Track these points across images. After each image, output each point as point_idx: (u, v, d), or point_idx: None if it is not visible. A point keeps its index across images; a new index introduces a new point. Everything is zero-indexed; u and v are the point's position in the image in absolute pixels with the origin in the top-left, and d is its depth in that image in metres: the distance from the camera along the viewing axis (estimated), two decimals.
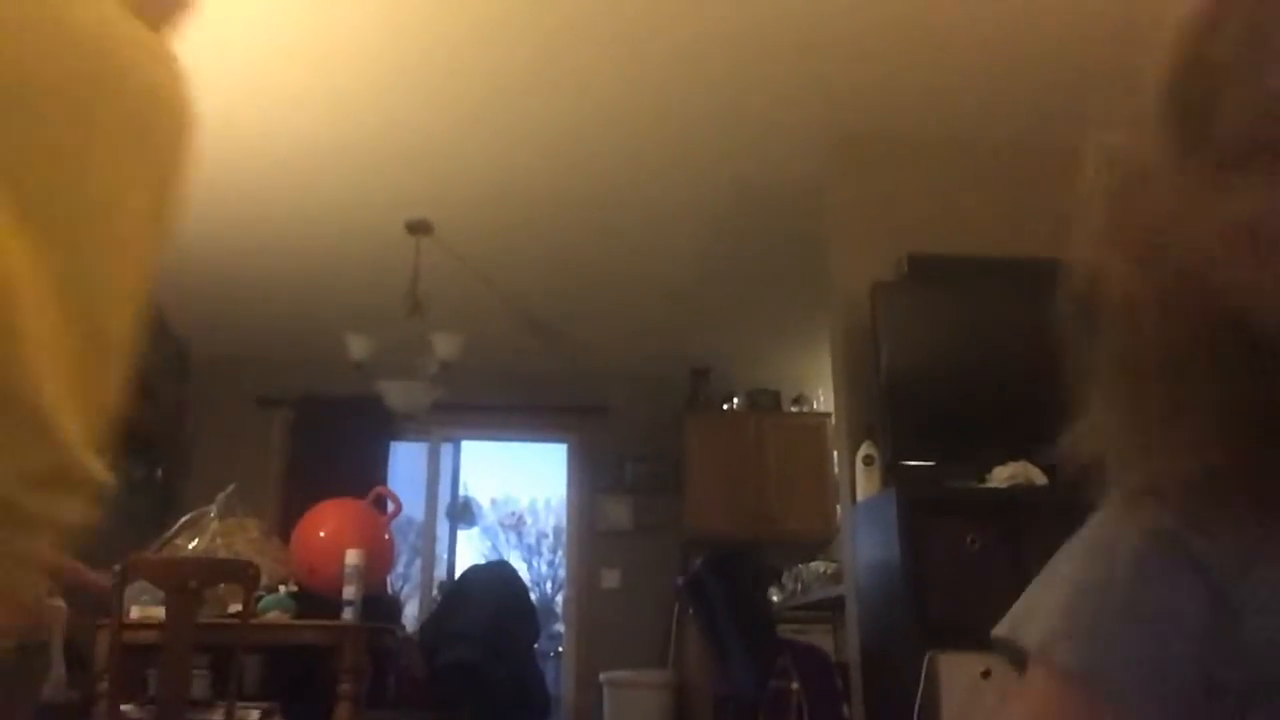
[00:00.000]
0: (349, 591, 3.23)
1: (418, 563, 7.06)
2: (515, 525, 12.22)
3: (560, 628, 7.73)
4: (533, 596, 5.37)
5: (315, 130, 3.94)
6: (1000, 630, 0.53)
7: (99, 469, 0.52)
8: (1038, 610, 0.51)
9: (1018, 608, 0.53)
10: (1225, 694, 0.47)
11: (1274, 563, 0.46)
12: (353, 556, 3.28)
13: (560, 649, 7.51)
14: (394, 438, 6.57)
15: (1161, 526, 0.49)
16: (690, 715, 5.97)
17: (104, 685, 3.07)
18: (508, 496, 12.10)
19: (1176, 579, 0.48)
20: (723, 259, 5.08)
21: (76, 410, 0.50)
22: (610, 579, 6.69)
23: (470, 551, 9.39)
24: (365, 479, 4.91)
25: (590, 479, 6.86)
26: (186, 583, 2.81)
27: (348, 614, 3.22)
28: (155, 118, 0.62)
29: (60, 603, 3.18)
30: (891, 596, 3.15)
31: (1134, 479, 0.51)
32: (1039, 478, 3.09)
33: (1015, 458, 3.13)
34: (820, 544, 6.20)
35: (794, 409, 6.85)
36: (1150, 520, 0.49)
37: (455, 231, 4.77)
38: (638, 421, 6.78)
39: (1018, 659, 0.52)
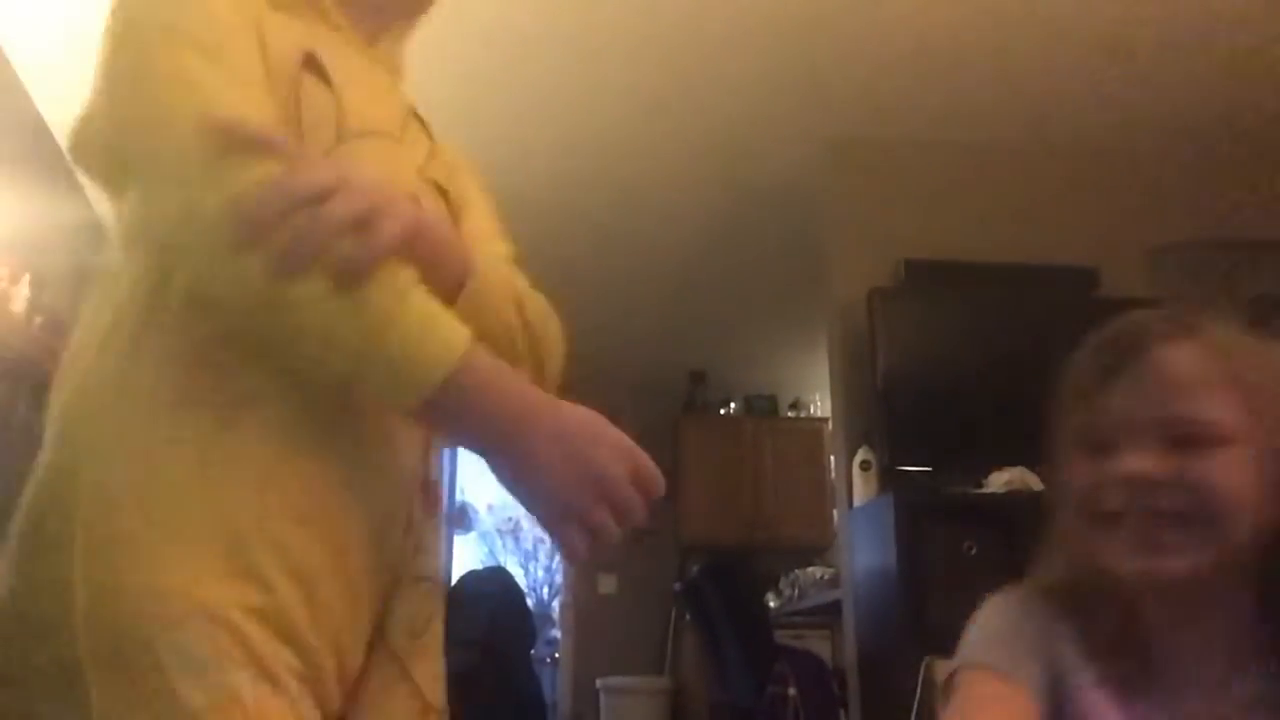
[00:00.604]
0: None
1: None
2: (512, 531, 12.20)
3: (557, 633, 7.71)
4: (529, 602, 5.36)
5: None
6: (947, 668, 0.86)
7: None
8: (965, 646, 0.86)
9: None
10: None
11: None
12: None
13: (557, 655, 7.49)
14: None
15: (1036, 604, 0.86)
16: None
17: None
18: (505, 502, 12.08)
19: (1038, 630, 0.84)
20: (719, 264, 5.08)
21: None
22: (607, 585, 6.68)
23: (467, 557, 9.38)
24: None
25: None
26: None
27: None
28: None
29: None
30: (888, 602, 3.15)
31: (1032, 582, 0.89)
32: (1036, 484, 3.09)
33: (1012, 463, 3.13)
34: (817, 549, 6.19)
35: (791, 414, 6.85)
36: (1033, 599, 0.87)
37: None
38: (634, 426, 6.75)
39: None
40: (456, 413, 0.71)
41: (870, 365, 3.44)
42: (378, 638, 0.81)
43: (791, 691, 3.72)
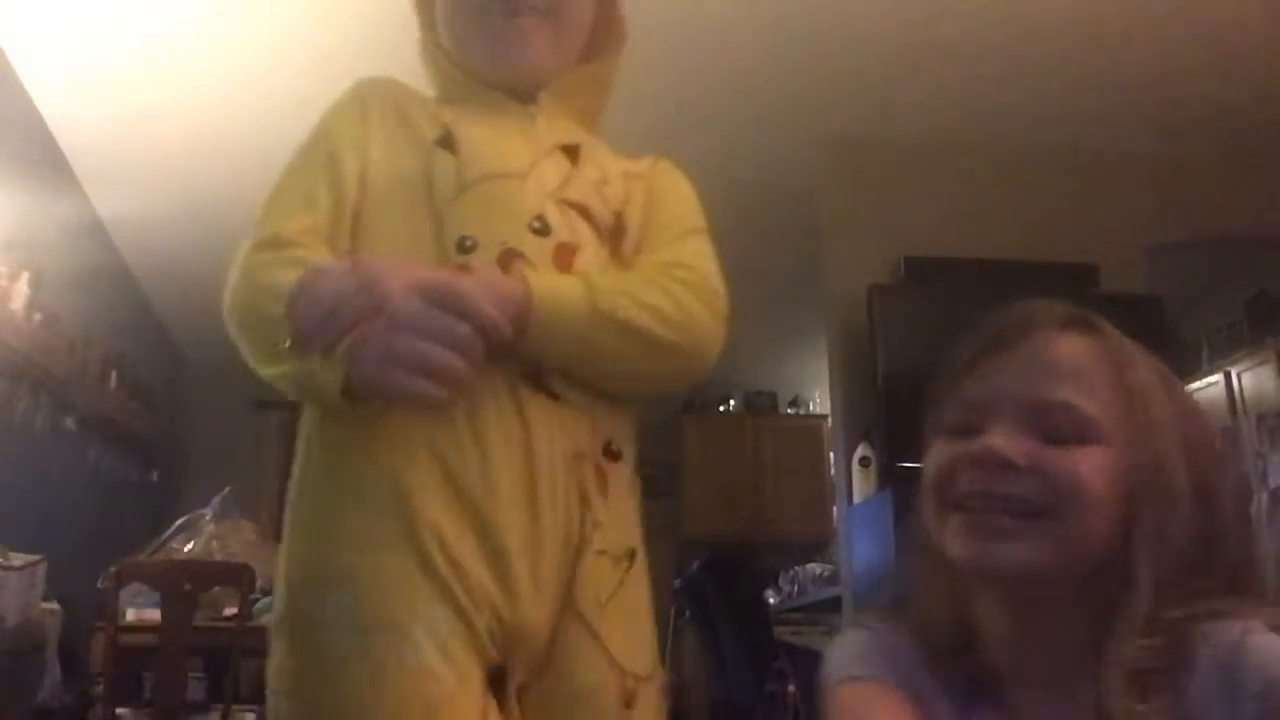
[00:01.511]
0: None
1: None
2: None
3: None
4: None
5: None
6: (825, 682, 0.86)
7: None
8: (830, 669, 0.85)
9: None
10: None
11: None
12: None
13: None
14: None
15: (886, 630, 0.86)
16: (686, 718, 5.96)
17: (99, 689, 3.06)
18: None
19: (892, 651, 0.83)
20: (719, 261, 5.07)
21: None
22: None
23: None
24: None
25: None
26: (182, 585, 2.80)
27: None
28: None
29: (55, 606, 3.17)
30: (888, 599, 3.15)
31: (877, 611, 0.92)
32: None
33: None
34: (817, 546, 6.20)
35: (791, 411, 6.85)
36: (883, 627, 0.86)
37: None
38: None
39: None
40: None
41: (870, 362, 3.45)
42: (567, 604, 0.93)
43: (791, 688, 3.72)
